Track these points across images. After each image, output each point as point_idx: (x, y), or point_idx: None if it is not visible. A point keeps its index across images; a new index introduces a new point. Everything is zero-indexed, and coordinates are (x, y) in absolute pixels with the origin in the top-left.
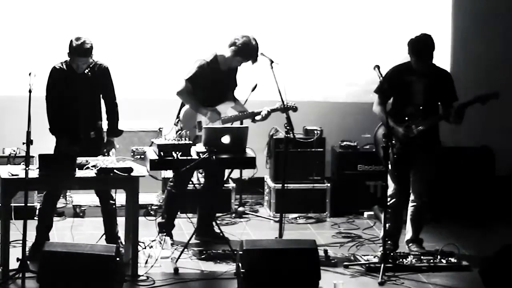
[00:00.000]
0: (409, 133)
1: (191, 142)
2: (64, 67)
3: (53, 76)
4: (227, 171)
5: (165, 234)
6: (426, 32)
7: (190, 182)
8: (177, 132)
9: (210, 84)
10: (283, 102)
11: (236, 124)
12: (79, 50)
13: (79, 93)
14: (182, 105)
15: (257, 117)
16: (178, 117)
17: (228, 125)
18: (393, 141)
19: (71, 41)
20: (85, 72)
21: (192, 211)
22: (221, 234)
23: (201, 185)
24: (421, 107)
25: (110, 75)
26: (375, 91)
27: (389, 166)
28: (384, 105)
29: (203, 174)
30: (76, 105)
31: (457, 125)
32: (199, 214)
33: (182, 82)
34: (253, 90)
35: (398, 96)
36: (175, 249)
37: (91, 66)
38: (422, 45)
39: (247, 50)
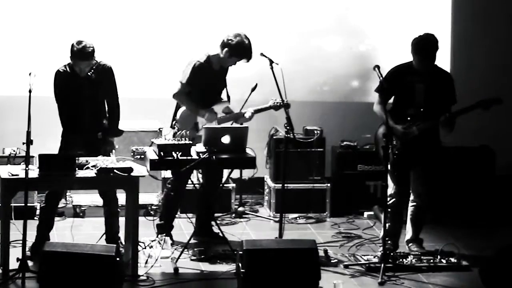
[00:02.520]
0: (409, 133)
1: (191, 142)
2: (68, 70)
3: (57, 80)
4: (227, 171)
5: (164, 235)
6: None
7: (190, 182)
8: (174, 134)
9: (205, 85)
10: (283, 101)
11: (236, 124)
12: (81, 54)
13: (85, 95)
14: (178, 107)
15: (242, 119)
16: (174, 119)
17: (228, 125)
18: (394, 141)
19: (72, 45)
20: (89, 74)
21: (192, 211)
22: (220, 234)
23: (201, 184)
24: (421, 109)
25: (114, 75)
26: (375, 90)
27: (389, 166)
28: (385, 104)
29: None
30: (82, 107)
31: (447, 133)
32: (197, 214)
33: (178, 85)
34: (253, 90)
35: (399, 96)
36: (175, 249)
37: (94, 67)
38: (425, 45)
39: (242, 50)
